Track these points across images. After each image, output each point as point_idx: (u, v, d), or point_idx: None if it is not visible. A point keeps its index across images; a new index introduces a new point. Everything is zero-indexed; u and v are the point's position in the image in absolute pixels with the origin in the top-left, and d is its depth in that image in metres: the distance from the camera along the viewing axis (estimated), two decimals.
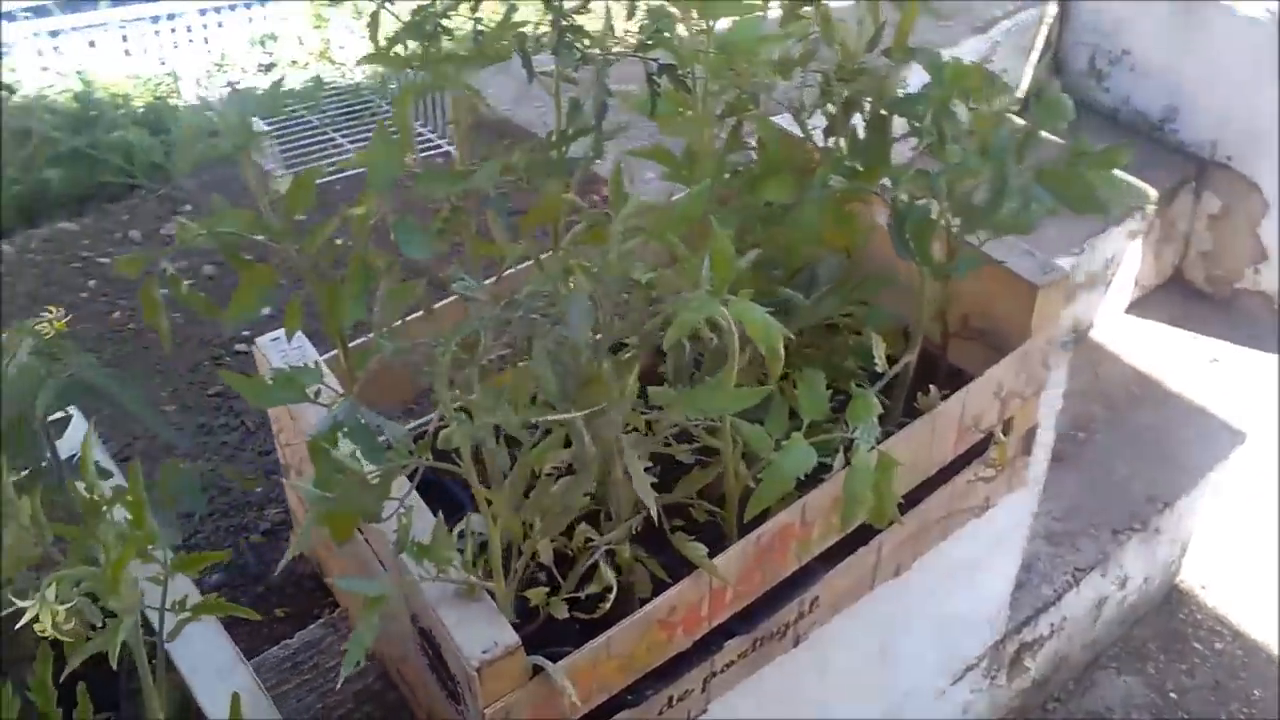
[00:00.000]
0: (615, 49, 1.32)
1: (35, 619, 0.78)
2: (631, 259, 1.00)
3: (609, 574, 1.12)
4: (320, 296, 1.15)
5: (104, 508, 0.80)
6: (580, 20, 1.30)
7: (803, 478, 1.29)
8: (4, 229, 2.32)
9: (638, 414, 1.12)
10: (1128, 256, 3.05)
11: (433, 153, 2.48)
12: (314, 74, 2.73)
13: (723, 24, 1.37)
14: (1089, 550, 2.52)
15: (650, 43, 1.31)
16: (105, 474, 1.10)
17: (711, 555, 1.20)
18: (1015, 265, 1.44)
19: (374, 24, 1.18)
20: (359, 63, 1.16)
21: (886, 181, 1.31)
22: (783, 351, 0.94)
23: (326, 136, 2.55)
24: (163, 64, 2.97)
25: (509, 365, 1.07)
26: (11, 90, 2.59)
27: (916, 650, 2.12)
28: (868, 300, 1.37)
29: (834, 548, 1.42)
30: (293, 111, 2.60)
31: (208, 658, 1.03)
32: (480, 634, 1.06)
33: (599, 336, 1.02)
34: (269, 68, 3.20)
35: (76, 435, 1.18)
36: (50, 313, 0.98)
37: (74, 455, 1.11)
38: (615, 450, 1.13)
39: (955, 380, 1.43)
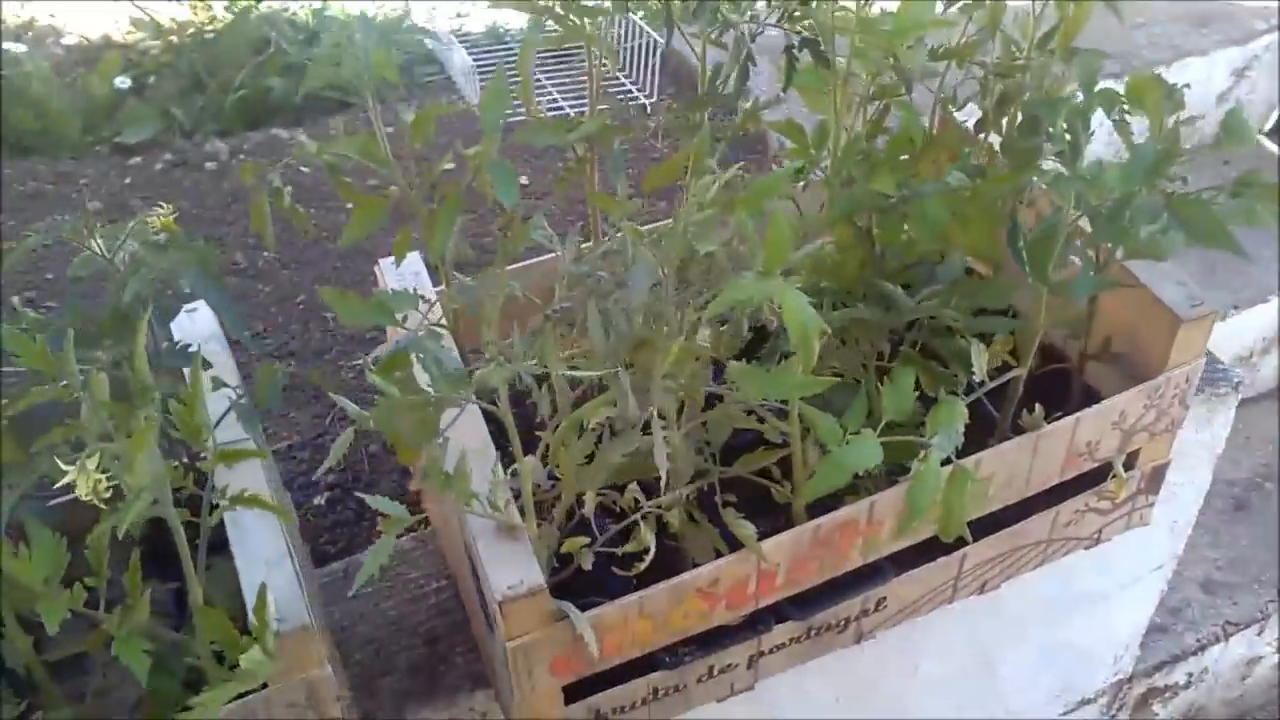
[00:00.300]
0: (764, 17, 1.31)
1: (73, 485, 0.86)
2: (703, 231, 1.00)
3: (648, 536, 1.13)
4: (424, 227, 1.19)
5: (153, 393, 0.88)
6: None
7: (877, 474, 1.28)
8: (226, 130, 2.51)
9: (698, 390, 1.12)
10: None
11: (625, 100, 2.51)
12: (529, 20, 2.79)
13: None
14: (1247, 606, 2.35)
15: (798, 14, 1.28)
16: (207, 365, 1.20)
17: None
18: (1161, 293, 1.35)
19: None
20: (490, 5, 1.19)
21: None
22: (816, 345, 0.92)
23: (534, 78, 2.61)
24: None
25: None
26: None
27: (1025, 672, 2.04)
28: (992, 306, 1.32)
29: (915, 552, 1.38)
30: (510, 51, 2.68)
31: (260, 548, 1.10)
32: (509, 571, 1.10)
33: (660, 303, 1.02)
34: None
35: (199, 327, 1.29)
36: (162, 209, 1.07)
37: (186, 343, 1.21)
38: (673, 417, 1.14)
39: (1089, 402, 1.36)
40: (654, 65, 2.42)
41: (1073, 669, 2.13)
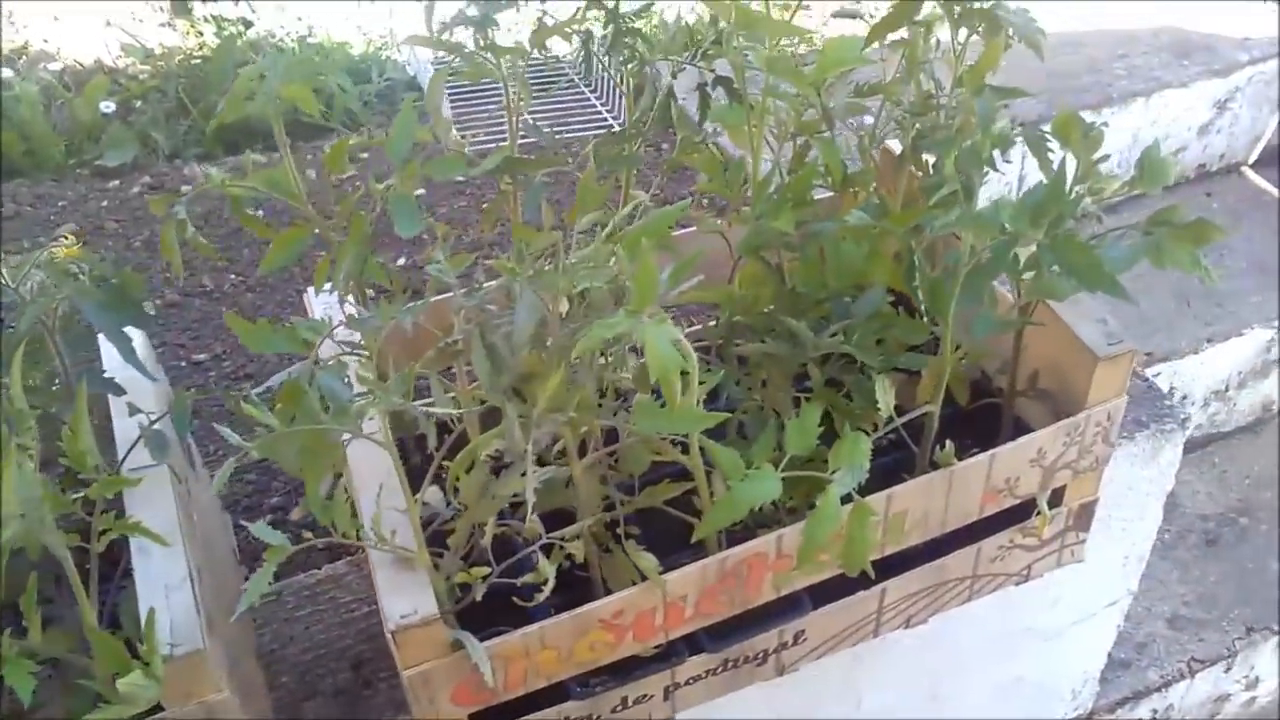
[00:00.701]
0: (675, 55, 1.32)
1: None
2: (587, 268, 1.02)
3: (547, 568, 1.14)
4: (337, 255, 1.22)
5: (28, 420, 0.90)
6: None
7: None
8: (207, 154, 2.55)
9: (594, 423, 1.13)
10: None
11: (599, 127, 2.53)
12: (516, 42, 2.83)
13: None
14: (1214, 643, 2.33)
15: (710, 53, 1.30)
16: (118, 390, 1.22)
17: None
18: (1079, 331, 1.35)
19: (429, 10, 1.23)
20: (403, 42, 1.21)
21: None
22: (678, 384, 0.93)
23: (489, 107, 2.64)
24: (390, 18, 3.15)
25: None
26: (248, 25, 2.82)
27: (977, 706, 2.03)
28: (901, 341, 1.33)
29: (836, 586, 1.39)
30: (560, 67, 2.71)
31: (161, 573, 1.12)
32: (404, 600, 1.11)
33: (549, 340, 1.04)
34: None
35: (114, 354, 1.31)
36: (66, 239, 1.09)
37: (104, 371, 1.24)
38: (574, 449, 1.16)
39: (1020, 436, 1.36)
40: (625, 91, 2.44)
41: (1028, 704, 2.11)
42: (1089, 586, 1.92)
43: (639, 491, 1.27)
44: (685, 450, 1.19)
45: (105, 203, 2.31)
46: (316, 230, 1.27)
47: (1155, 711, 2.33)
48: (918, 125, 1.31)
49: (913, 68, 1.32)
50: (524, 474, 1.06)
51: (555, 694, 1.30)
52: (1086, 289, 1.07)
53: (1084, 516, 1.50)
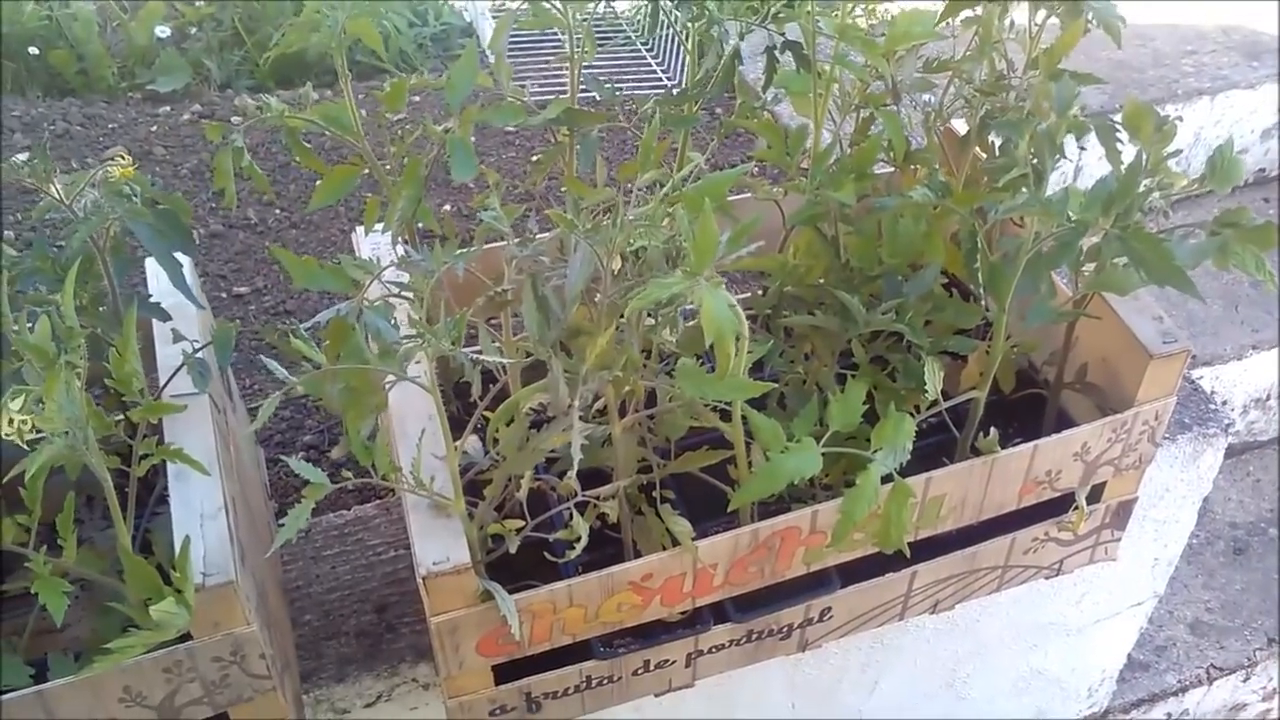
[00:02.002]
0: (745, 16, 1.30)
1: None
2: (644, 226, 1.00)
3: (581, 525, 1.14)
4: (391, 198, 1.21)
5: (79, 339, 0.90)
6: None
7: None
8: (259, 86, 2.54)
9: (636, 382, 1.12)
10: None
11: (653, 87, 2.51)
12: None
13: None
14: (1235, 651, 2.31)
15: (781, 15, 1.27)
16: (165, 315, 1.22)
17: None
18: (1135, 325, 1.33)
19: None
20: None
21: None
22: (732, 348, 0.92)
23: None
24: None
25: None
26: None
27: (994, 698, 2.03)
28: (950, 324, 1.31)
29: (866, 566, 1.38)
30: (546, 29, 2.68)
31: (198, 501, 1.12)
32: (437, 546, 1.11)
33: (598, 297, 1.02)
34: None
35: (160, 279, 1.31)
36: (122, 158, 1.09)
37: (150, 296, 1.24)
38: (615, 409, 1.15)
39: (1061, 430, 1.34)
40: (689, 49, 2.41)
41: (1045, 698, 2.10)
42: (1116, 586, 1.90)
43: (675, 456, 1.26)
44: (726, 418, 1.18)
45: (155, 128, 2.30)
46: (366, 170, 1.26)
47: (1170, 715, 2.32)
48: (987, 105, 1.29)
49: (985, 46, 1.29)
50: (565, 430, 1.05)
51: (579, 652, 1.30)
52: (1155, 283, 1.04)
53: (1121, 515, 1.48)
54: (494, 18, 2.53)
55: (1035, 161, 1.09)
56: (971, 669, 1.93)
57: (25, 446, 0.90)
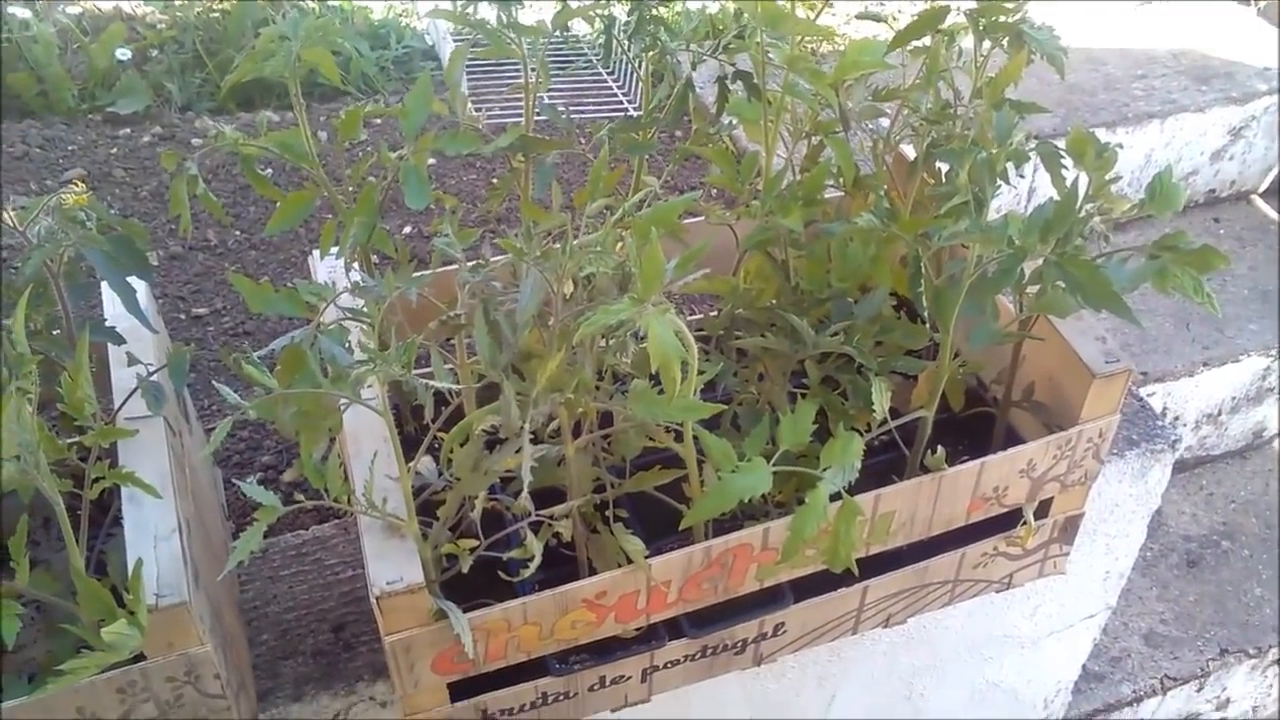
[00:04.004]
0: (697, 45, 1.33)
1: None
2: (594, 253, 1.02)
3: (534, 544, 1.15)
4: (344, 221, 1.22)
5: (29, 365, 0.91)
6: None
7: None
8: (219, 109, 2.55)
9: (589, 404, 1.14)
10: None
11: (614, 110, 2.53)
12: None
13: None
14: (1189, 661, 2.35)
15: (732, 46, 1.30)
16: (119, 339, 1.23)
17: None
18: (1078, 348, 1.36)
19: None
20: (426, 14, 1.21)
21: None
22: (678, 373, 0.94)
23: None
24: None
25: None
26: None
27: (951, 709, 2.05)
28: (900, 346, 1.33)
29: (819, 582, 1.40)
30: (579, 48, 2.71)
31: (151, 523, 1.13)
32: (390, 567, 1.12)
33: (550, 321, 1.04)
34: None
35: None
36: (76, 184, 1.10)
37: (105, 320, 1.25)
38: (569, 429, 1.16)
39: (1010, 447, 1.38)
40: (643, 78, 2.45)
41: (1002, 709, 2.13)
42: (1069, 598, 1.94)
43: (630, 475, 1.27)
44: (679, 438, 1.20)
45: (115, 150, 2.30)
46: (325, 194, 1.27)
47: None
48: (933, 133, 1.32)
49: (932, 75, 1.32)
50: (518, 450, 1.06)
51: (534, 669, 1.31)
52: (1091, 307, 1.08)
53: (1069, 530, 1.51)
54: (455, 41, 2.56)
55: (976, 189, 1.12)
56: (928, 682, 1.95)
57: None
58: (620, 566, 1.24)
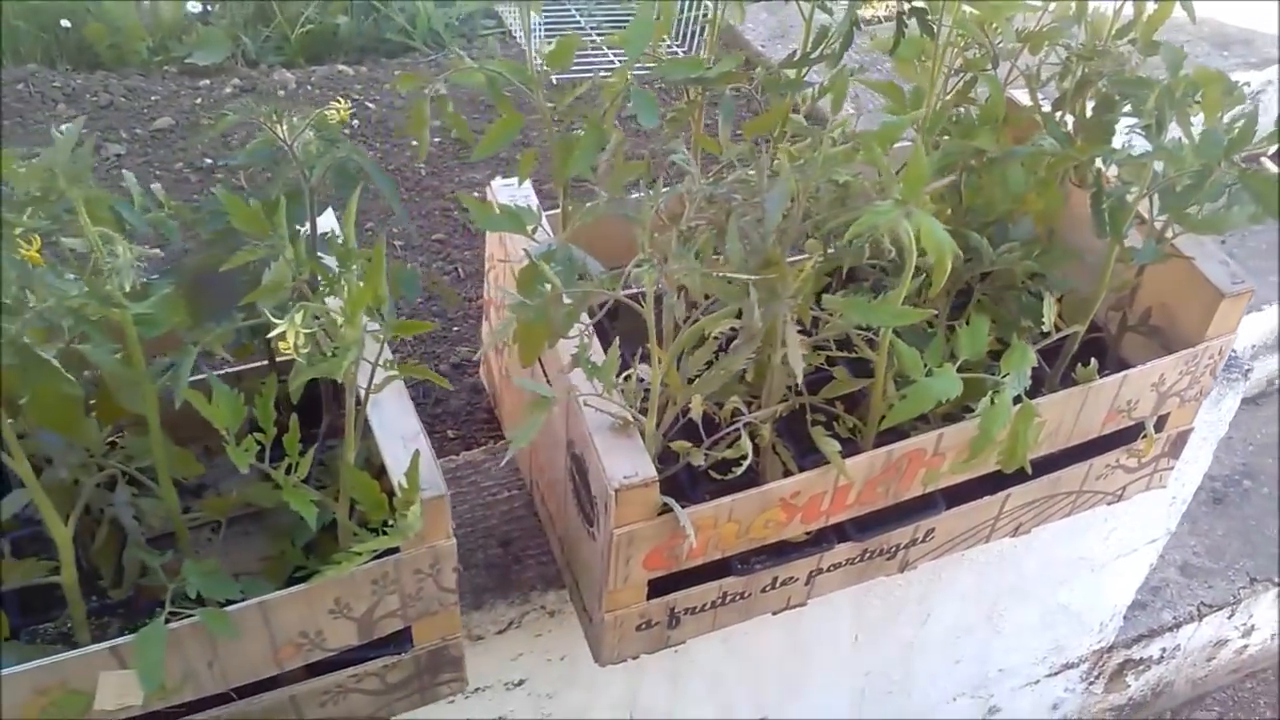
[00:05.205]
0: None
1: (281, 336, 0.97)
2: (836, 161, 1.12)
3: (747, 444, 1.24)
4: (557, 148, 1.29)
5: (357, 257, 0.97)
6: None
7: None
8: (292, 61, 2.58)
9: (807, 310, 1.23)
10: None
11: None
12: None
13: None
14: (1221, 591, 2.51)
15: None
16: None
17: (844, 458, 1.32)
18: (1205, 268, 1.48)
19: None
20: None
21: (1099, 163, 1.39)
22: (949, 265, 1.04)
23: (587, 36, 2.71)
24: None
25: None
26: None
27: (1023, 630, 2.18)
28: (1051, 268, 1.44)
29: (963, 492, 1.51)
30: (566, 9, 2.78)
31: (396, 424, 1.20)
32: (625, 462, 1.20)
33: (789, 225, 1.13)
34: None
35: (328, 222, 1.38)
36: (339, 103, 1.16)
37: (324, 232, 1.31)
38: (779, 334, 1.26)
39: (1120, 370, 1.49)
40: (703, 36, 2.53)
41: (1064, 632, 2.27)
42: (1138, 522, 2.08)
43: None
44: (872, 346, 1.30)
45: (199, 100, 2.33)
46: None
47: (1164, 650, 2.51)
48: (1083, 69, 1.42)
49: (1081, 11, 1.43)
50: (783, 342, 1.15)
51: (713, 570, 1.40)
52: (1273, 216, 1.19)
53: (1178, 444, 1.64)
54: None
55: (1157, 113, 1.23)
56: (1008, 604, 2.08)
57: (301, 359, 0.98)
58: (787, 474, 1.34)
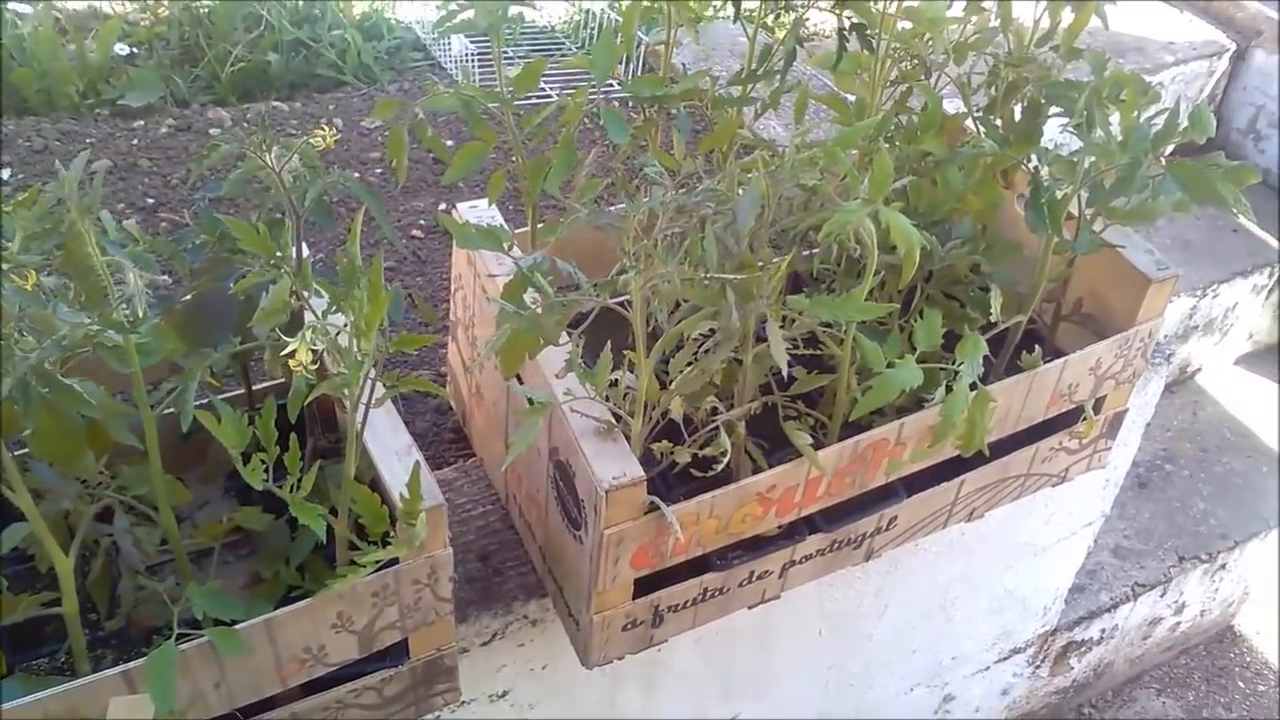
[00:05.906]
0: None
1: (292, 354, 1.00)
2: (804, 166, 1.19)
3: (726, 441, 1.30)
4: (526, 168, 1.35)
5: (362, 277, 1.01)
6: None
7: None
8: (224, 100, 2.59)
9: (778, 311, 1.29)
10: (1247, 310, 3.13)
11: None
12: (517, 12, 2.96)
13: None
14: (1153, 570, 2.64)
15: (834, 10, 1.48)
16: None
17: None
18: (1133, 257, 1.58)
19: None
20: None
21: (1033, 160, 1.49)
22: (918, 257, 1.11)
23: (512, 64, 2.77)
24: None
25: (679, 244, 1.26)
26: None
27: (974, 617, 2.27)
28: (995, 263, 1.53)
29: (920, 480, 1.58)
30: (487, 44, 2.83)
31: (389, 440, 1.24)
32: (613, 464, 1.25)
33: (760, 230, 1.20)
34: None
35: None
36: (323, 131, 1.20)
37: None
38: (752, 334, 1.32)
39: (1056, 359, 1.59)
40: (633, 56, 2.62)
41: (1012, 617, 2.37)
42: (1075, 506, 2.18)
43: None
44: (837, 343, 1.37)
45: (135, 141, 2.33)
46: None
47: (1103, 631, 2.63)
48: (1011, 76, 1.52)
49: (1006, 23, 1.53)
50: (729, 356, 1.21)
51: (693, 567, 1.45)
52: (1199, 203, 1.29)
53: (1115, 425, 1.74)
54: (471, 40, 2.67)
55: (1087, 112, 1.32)
56: (959, 592, 2.16)
57: (309, 376, 1.01)
58: (756, 470, 1.40)
